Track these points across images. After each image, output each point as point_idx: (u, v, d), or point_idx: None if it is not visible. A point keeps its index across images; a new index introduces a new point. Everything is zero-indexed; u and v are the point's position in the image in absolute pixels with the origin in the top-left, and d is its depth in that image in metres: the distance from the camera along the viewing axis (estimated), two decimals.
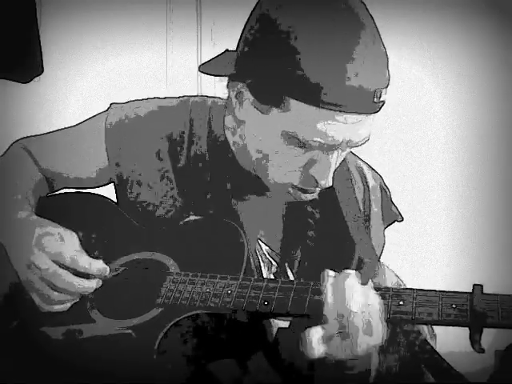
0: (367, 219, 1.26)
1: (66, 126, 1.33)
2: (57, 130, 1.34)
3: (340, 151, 1.11)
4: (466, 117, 2.59)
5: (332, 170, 1.10)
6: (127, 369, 1.02)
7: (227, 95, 1.18)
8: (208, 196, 1.22)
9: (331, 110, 1.03)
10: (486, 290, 0.98)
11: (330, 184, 1.11)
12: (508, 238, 2.54)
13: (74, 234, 1.14)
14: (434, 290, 0.99)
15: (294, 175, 1.12)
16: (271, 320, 1.14)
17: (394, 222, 1.33)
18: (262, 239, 1.23)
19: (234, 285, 1.07)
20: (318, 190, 1.14)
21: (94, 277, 1.11)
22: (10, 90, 2.40)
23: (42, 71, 2.39)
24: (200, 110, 1.27)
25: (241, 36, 1.14)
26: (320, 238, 1.23)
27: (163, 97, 1.32)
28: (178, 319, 1.04)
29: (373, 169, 1.33)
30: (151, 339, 1.02)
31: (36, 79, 2.40)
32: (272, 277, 1.21)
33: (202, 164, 1.24)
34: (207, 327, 1.06)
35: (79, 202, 1.30)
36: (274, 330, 1.15)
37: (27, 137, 1.35)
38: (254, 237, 1.21)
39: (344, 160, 1.23)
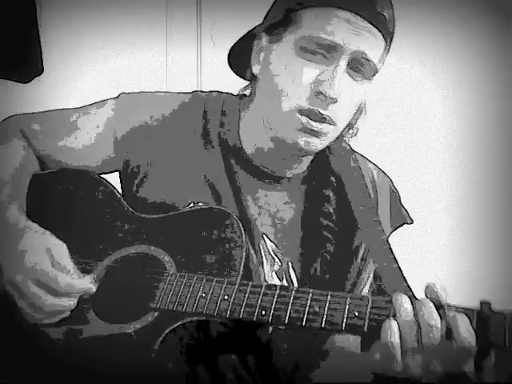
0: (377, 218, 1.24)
1: (68, 108, 1.31)
2: (59, 110, 1.31)
3: (347, 64, 1.12)
4: (465, 117, 2.59)
5: (337, 79, 1.11)
6: (127, 369, 1.01)
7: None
8: (218, 189, 1.21)
9: (334, 7, 1.10)
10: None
11: (337, 95, 1.12)
12: (508, 237, 2.54)
13: (63, 246, 1.11)
14: (441, 306, 0.96)
15: (300, 96, 1.13)
16: None
17: (402, 224, 1.32)
18: (268, 235, 1.22)
19: (231, 289, 1.04)
20: (325, 114, 1.13)
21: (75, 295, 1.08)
22: (10, 90, 2.40)
23: (42, 71, 2.39)
24: (214, 103, 1.28)
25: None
26: (331, 238, 1.23)
27: (176, 92, 1.31)
28: (173, 327, 1.03)
29: (382, 171, 1.33)
30: (149, 344, 1.01)
31: (36, 79, 2.39)
32: (274, 274, 1.20)
33: (213, 157, 1.24)
34: (203, 333, 1.06)
35: (76, 183, 1.26)
36: (269, 329, 1.14)
37: (25, 114, 1.31)
38: (259, 232, 1.21)
39: (357, 162, 1.26)
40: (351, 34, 1.11)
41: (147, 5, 2.56)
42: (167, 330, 1.03)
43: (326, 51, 1.12)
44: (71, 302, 1.08)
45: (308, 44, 1.12)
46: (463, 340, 0.91)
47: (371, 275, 1.26)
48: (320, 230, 1.22)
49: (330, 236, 1.21)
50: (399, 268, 1.13)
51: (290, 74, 1.13)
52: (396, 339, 0.93)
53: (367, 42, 1.12)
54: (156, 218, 1.19)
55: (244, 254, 1.10)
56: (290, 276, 1.21)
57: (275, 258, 1.21)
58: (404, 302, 0.95)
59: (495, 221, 2.56)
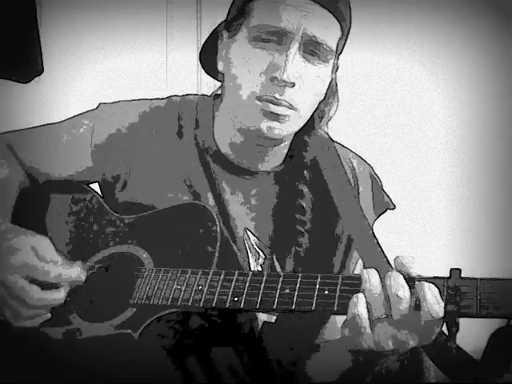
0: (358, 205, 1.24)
1: (52, 122, 1.33)
2: (43, 126, 1.34)
3: (299, 47, 1.13)
4: (465, 117, 2.59)
5: (289, 63, 1.12)
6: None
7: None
8: (196, 189, 1.23)
9: None
10: None
11: (292, 79, 1.13)
12: (508, 238, 2.54)
13: (47, 240, 1.12)
14: (411, 278, 0.94)
15: (255, 84, 1.15)
16: (257, 314, 1.14)
17: (386, 210, 1.32)
18: (251, 230, 1.23)
19: (205, 279, 1.05)
20: (282, 99, 1.14)
21: (63, 285, 1.09)
22: (9, 90, 2.40)
23: (42, 71, 2.38)
24: (188, 106, 1.29)
25: None
26: (311, 227, 1.23)
27: (151, 98, 1.32)
28: (149, 321, 1.04)
29: (362, 159, 1.34)
30: (131, 340, 1.02)
31: (36, 79, 2.39)
32: (259, 268, 1.21)
33: (190, 159, 1.25)
34: (181, 325, 1.06)
35: (58, 191, 1.29)
36: (260, 324, 1.15)
37: (11, 131, 1.34)
38: (241, 227, 1.22)
39: (336, 152, 1.26)
40: (300, 18, 1.12)
41: (147, 5, 2.56)
42: (144, 325, 1.03)
43: (277, 38, 1.13)
44: (60, 294, 1.09)
45: (259, 33, 1.14)
46: (430, 310, 0.90)
47: (358, 264, 1.26)
48: (293, 225, 1.22)
49: (303, 230, 1.22)
50: (383, 252, 1.13)
51: (246, 64, 1.15)
52: (362, 310, 0.92)
53: (317, 24, 1.13)
54: (135, 218, 1.20)
55: (218, 244, 1.10)
56: (275, 269, 1.22)
57: (259, 251, 1.22)
58: (371, 275, 0.94)
59: (495, 221, 2.56)
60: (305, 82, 1.15)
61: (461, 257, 2.54)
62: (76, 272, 1.10)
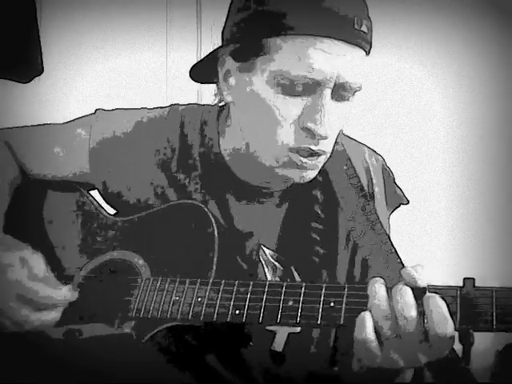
0: (371, 207, 1.19)
1: (52, 123, 1.32)
2: (42, 125, 1.31)
3: (331, 93, 1.06)
4: (465, 117, 2.59)
5: (326, 114, 1.05)
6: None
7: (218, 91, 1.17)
8: (202, 205, 1.17)
9: (310, 35, 1.03)
10: None
11: (328, 133, 1.06)
12: (508, 237, 2.54)
13: (38, 256, 1.09)
14: (423, 288, 0.89)
15: (287, 134, 1.07)
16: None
17: (399, 205, 1.28)
18: (266, 244, 1.20)
19: (204, 291, 1.00)
20: (317, 149, 1.08)
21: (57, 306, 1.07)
22: (10, 90, 2.39)
23: (42, 71, 2.38)
24: (191, 117, 1.24)
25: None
26: (323, 237, 1.21)
27: (153, 107, 1.28)
28: (149, 335, 1.02)
29: (374, 151, 1.30)
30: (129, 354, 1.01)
31: (36, 79, 2.39)
32: (278, 280, 1.18)
33: (194, 174, 1.21)
34: (182, 338, 1.04)
35: (53, 193, 1.27)
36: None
37: (9, 128, 1.32)
38: (256, 243, 1.19)
39: (347, 157, 1.21)
40: (331, 64, 1.03)
41: (147, 5, 2.56)
42: (144, 339, 1.02)
43: (307, 86, 1.05)
44: (55, 315, 1.07)
45: (286, 80, 1.04)
46: (437, 330, 0.86)
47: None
48: (309, 232, 1.19)
49: (318, 238, 1.19)
50: (397, 254, 1.09)
51: (273, 111, 1.07)
52: (370, 333, 0.88)
53: (349, 66, 1.05)
54: (129, 219, 1.18)
55: (216, 248, 1.06)
56: (294, 279, 1.18)
57: (276, 263, 1.19)
58: (378, 291, 0.89)
59: (495, 221, 2.56)
60: (335, 123, 1.08)
61: (461, 257, 2.54)
62: (66, 293, 1.07)
